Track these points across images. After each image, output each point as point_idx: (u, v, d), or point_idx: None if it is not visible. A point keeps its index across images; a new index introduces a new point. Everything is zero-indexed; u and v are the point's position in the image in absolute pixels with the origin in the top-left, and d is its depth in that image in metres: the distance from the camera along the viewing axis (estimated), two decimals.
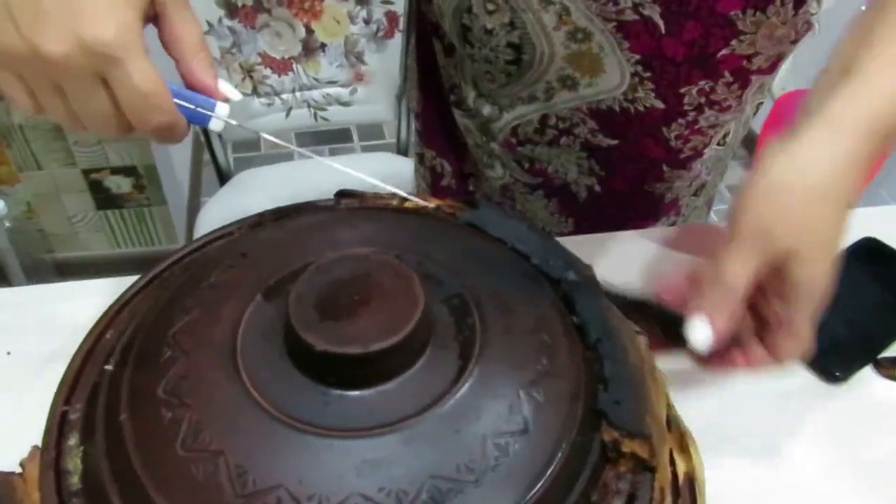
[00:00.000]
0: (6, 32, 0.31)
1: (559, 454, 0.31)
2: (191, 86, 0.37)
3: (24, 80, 0.33)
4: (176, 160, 1.64)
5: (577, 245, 0.62)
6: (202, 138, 1.34)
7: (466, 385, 0.32)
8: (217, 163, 1.27)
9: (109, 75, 0.32)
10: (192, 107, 0.36)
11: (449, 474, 0.29)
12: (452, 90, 0.71)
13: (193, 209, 1.70)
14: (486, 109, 0.68)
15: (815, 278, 0.38)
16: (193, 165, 1.83)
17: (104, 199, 1.56)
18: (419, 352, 0.33)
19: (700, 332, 0.37)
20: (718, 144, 0.71)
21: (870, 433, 0.51)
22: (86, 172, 1.51)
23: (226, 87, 0.37)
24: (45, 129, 1.41)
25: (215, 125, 0.37)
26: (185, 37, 0.36)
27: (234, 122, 0.37)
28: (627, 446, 0.33)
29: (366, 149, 2.10)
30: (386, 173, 1.25)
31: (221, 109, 0.37)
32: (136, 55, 0.32)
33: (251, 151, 2.06)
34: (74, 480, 0.33)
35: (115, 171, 1.51)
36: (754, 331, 0.41)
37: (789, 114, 0.54)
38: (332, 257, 0.34)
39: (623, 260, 0.63)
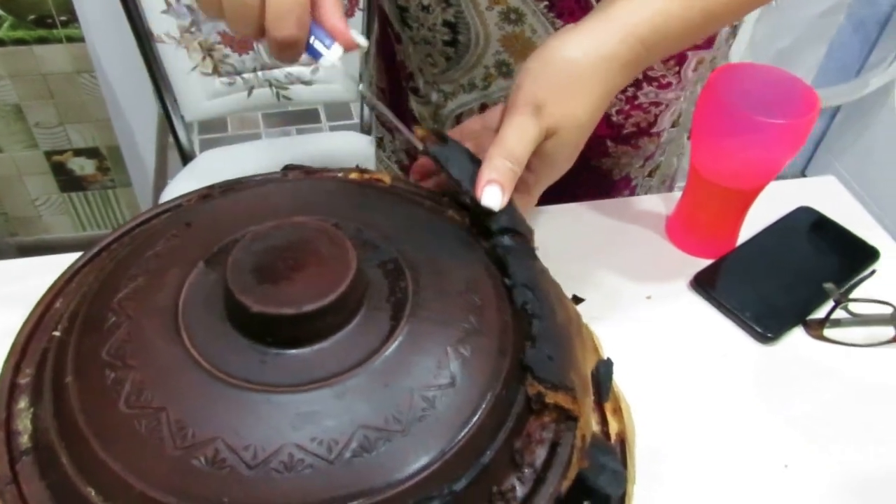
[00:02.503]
0: None
1: (484, 405, 0.33)
2: (321, 24, 0.39)
3: None
4: (140, 141, 1.63)
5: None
6: (166, 120, 1.34)
7: (396, 343, 0.34)
8: (180, 144, 1.27)
9: None
10: (312, 39, 0.39)
11: (378, 425, 0.31)
12: (410, 78, 0.73)
13: (159, 190, 1.69)
14: (434, 96, 0.70)
15: (565, 155, 0.44)
16: (159, 147, 1.82)
17: (68, 182, 1.55)
18: (352, 312, 0.34)
19: (492, 196, 0.41)
20: (672, 126, 0.73)
21: (798, 388, 0.54)
22: (48, 154, 1.50)
23: (356, 34, 0.40)
24: (4, 110, 1.40)
25: (326, 61, 0.39)
26: None
27: (339, 64, 0.40)
28: (551, 398, 0.36)
29: (334, 129, 2.10)
30: (348, 150, 1.26)
31: (336, 50, 0.39)
32: None
33: (218, 132, 2.05)
34: (24, 440, 0.34)
35: (78, 152, 1.50)
36: None
37: (722, 88, 0.56)
38: (270, 225, 0.36)
39: (568, 231, 0.65)
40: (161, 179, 1.78)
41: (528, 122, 0.42)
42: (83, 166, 1.53)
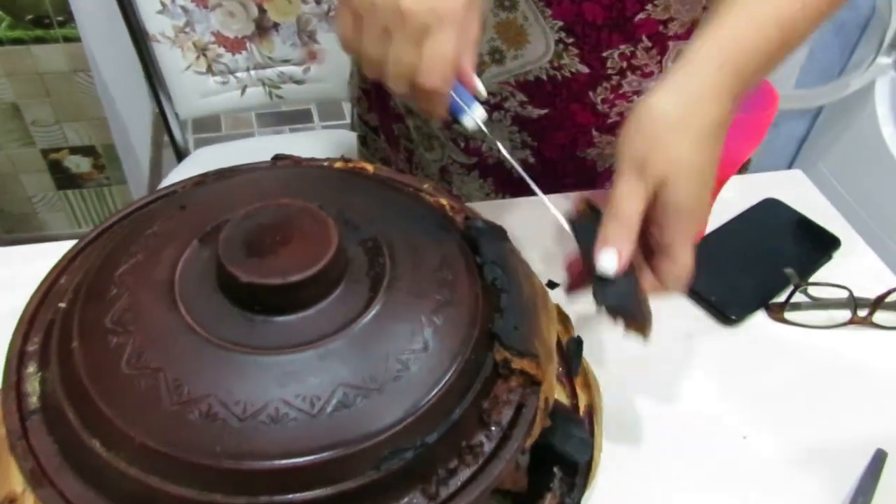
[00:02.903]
0: None
1: (454, 368, 0.36)
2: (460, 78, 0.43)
3: (362, 20, 0.41)
4: (135, 140, 1.66)
5: (505, 207, 0.67)
6: (161, 118, 1.37)
7: (374, 311, 0.37)
8: (175, 143, 1.30)
9: (431, 33, 0.40)
10: (456, 97, 0.42)
11: (356, 383, 0.34)
12: None
13: (154, 188, 1.72)
14: None
15: (684, 202, 0.41)
16: (154, 146, 1.84)
17: (64, 179, 1.58)
18: (334, 284, 0.38)
19: (606, 260, 0.41)
20: None
21: (759, 367, 0.58)
22: (45, 152, 1.52)
23: (478, 83, 0.43)
24: (2, 109, 1.42)
25: (469, 122, 0.43)
26: (472, 32, 0.42)
27: (484, 129, 0.43)
28: (517, 364, 0.39)
29: (326, 128, 2.13)
30: (339, 147, 1.29)
31: (478, 111, 0.43)
32: (458, 27, 0.40)
33: (212, 132, 2.07)
34: (33, 401, 0.37)
35: (74, 150, 1.53)
36: (644, 259, 0.45)
37: None
38: (259, 205, 0.39)
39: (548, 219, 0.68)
40: (155, 177, 1.81)
41: (630, 182, 0.41)
42: (79, 164, 1.56)
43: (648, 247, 0.44)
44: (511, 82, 0.68)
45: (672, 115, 0.41)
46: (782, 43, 0.43)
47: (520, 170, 0.46)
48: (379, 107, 0.82)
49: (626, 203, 0.41)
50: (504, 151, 0.47)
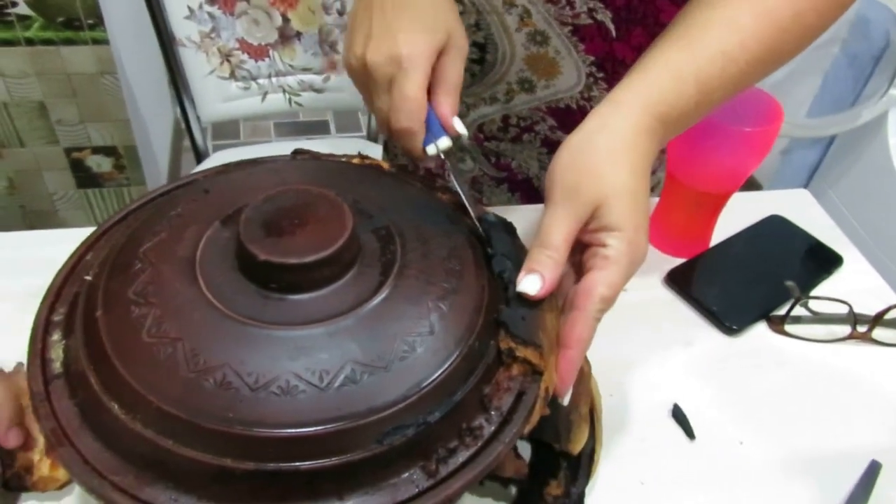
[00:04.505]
0: (350, 49, 0.46)
1: (457, 352, 0.38)
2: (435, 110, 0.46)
3: (364, 87, 0.47)
4: (156, 143, 1.70)
5: (524, 212, 0.69)
6: (182, 125, 1.40)
7: (384, 295, 0.39)
8: (195, 144, 1.33)
9: (395, 80, 0.44)
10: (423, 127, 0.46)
11: (364, 361, 0.36)
12: None
13: None
14: None
15: (622, 220, 0.41)
16: (173, 150, 1.88)
17: (85, 178, 1.61)
18: (347, 267, 0.39)
19: (529, 284, 0.41)
20: None
21: (758, 377, 0.59)
22: (67, 151, 1.56)
23: (458, 124, 0.46)
24: (28, 107, 1.46)
25: (431, 149, 0.46)
26: (450, 78, 0.46)
27: (442, 156, 0.46)
28: (521, 353, 0.40)
29: (342, 138, 2.16)
30: None
31: (444, 142, 0.46)
32: (418, 71, 0.44)
33: (231, 139, 2.11)
34: (57, 366, 0.39)
35: (96, 150, 1.57)
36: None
37: None
38: (279, 190, 0.41)
39: None
40: (174, 181, 1.84)
41: (560, 208, 0.42)
42: (100, 164, 1.59)
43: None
44: (542, 108, 0.71)
45: (605, 147, 0.42)
46: (699, 101, 0.45)
47: (464, 198, 0.48)
48: None
49: (554, 230, 0.41)
50: (457, 187, 0.48)
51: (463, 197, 0.47)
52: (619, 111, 0.44)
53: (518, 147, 0.76)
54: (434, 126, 0.46)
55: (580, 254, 0.44)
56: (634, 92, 0.44)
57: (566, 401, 0.42)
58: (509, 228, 0.47)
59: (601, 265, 0.41)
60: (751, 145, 0.59)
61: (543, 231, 0.42)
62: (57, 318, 0.41)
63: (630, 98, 0.44)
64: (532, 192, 0.80)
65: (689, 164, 0.64)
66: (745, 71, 0.45)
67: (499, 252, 0.44)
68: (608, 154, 0.42)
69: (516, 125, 0.73)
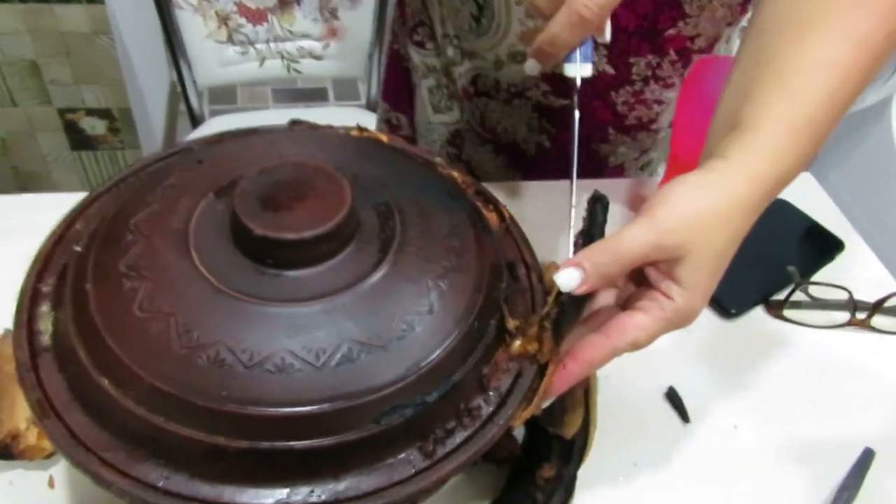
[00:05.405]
0: None
1: (456, 332, 0.37)
2: None
3: None
4: (151, 106, 1.67)
5: (518, 189, 0.68)
6: (178, 88, 1.38)
7: (382, 272, 0.38)
8: (191, 109, 1.31)
9: None
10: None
11: (361, 339, 0.35)
12: (416, 29, 0.76)
13: None
14: (450, 51, 0.72)
15: (698, 281, 0.39)
16: (169, 114, 1.85)
17: (78, 140, 1.59)
18: (345, 243, 0.38)
19: (567, 278, 0.38)
20: (669, 126, 0.77)
21: (755, 361, 0.59)
22: (61, 112, 1.53)
23: (607, 26, 0.44)
24: (20, 65, 1.43)
25: (571, 70, 0.44)
26: None
27: (578, 82, 0.45)
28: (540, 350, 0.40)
29: (340, 107, 2.13)
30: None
31: (587, 69, 0.44)
32: None
33: (228, 104, 2.08)
34: (45, 339, 0.38)
35: (91, 112, 1.54)
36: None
37: (704, 78, 0.60)
38: (276, 163, 0.40)
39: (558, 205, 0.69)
40: (169, 144, 1.82)
41: (646, 230, 0.39)
42: (94, 126, 1.56)
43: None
44: (536, 74, 0.69)
45: (723, 205, 0.39)
46: (808, 154, 0.42)
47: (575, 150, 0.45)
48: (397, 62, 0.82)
49: (626, 244, 0.38)
50: (575, 131, 0.46)
51: (575, 148, 0.45)
52: (746, 177, 0.40)
53: (507, 109, 0.74)
54: (585, 46, 0.43)
55: (635, 281, 0.42)
56: (759, 157, 0.40)
57: (544, 405, 0.40)
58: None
59: (650, 311, 0.39)
60: None
61: (617, 237, 0.39)
62: (46, 288, 0.40)
63: (755, 163, 0.40)
64: (517, 154, 0.78)
65: (694, 146, 0.63)
66: (847, 105, 0.42)
67: (597, 237, 0.43)
68: (722, 213, 0.39)
69: (507, 90, 0.72)
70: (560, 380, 0.40)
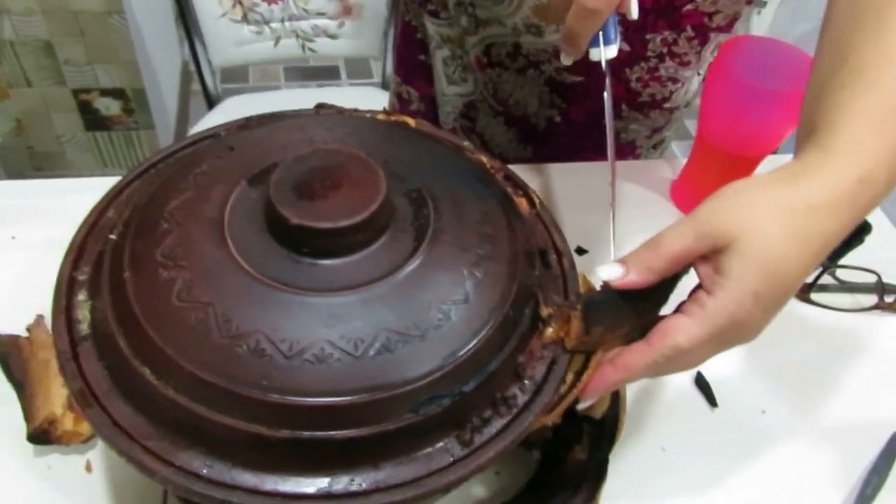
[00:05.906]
0: None
1: (492, 321, 0.37)
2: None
3: None
4: (164, 86, 1.67)
5: (538, 171, 0.68)
6: (192, 68, 1.37)
7: (418, 261, 0.38)
8: (206, 89, 1.30)
9: None
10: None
11: (399, 329, 0.35)
12: None
13: (181, 135, 1.73)
14: (464, 20, 0.71)
15: (747, 273, 0.36)
16: (181, 94, 1.85)
17: (93, 121, 1.59)
18: (380, 231, 0.38)
19: (609, 271, 0.38)
20: (685, 105, 0.76)
21: (782, 345, 0.58)
22: (75, 92, 1.53)
23: (633, 3, 0.44)
24: (35, 45, 1.43)
25: (595, 54, 0.45)
26: None
27: (603, 65, 0.45)
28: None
29: (353, 86, 2.12)
30: (368, 104, 1.29)
31: (612, 50, 0.45)
32: None
33: (240, 82, 2.07)
34: (84, 327, 0.38)
35: (105, 92, 1.54)
36: None
37: (731, 59, 0.59)
38: (310, 150, 0.40)
39: (577, 187, 0.68)
40: (183, 124, 1.82)
41: (682, 222, 0.38)
42: (109, 106, 1.56)
43: None
44: (549, 49, 0.68)
45: (762, 195, 0.37)
46: None
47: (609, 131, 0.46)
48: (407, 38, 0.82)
49: (667, 238, 0.37)
50: (608, 113, 0.46)
51: (609, 128, 0.46)
52: (811, 173, 0.37)
53: (520, 80, 0.73)
54: (608, 29, 0.43)
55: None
56: (832, 155, 0.37)
57: (582, 406, 0.40)
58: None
59: (692, 312, 0.37)
60: (787, 106, 0.57)
61: (659, 233, 0.38)
62: (81, 276, 0.40)
63: (827, 161, 0.37)
64: (528, 128, 0.77)
65: (721, 127, 0.62)
66: None
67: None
68: (772, 200, 0.36)
69: (525, 56, 0.71)
70: (595, 382, 0.39)
